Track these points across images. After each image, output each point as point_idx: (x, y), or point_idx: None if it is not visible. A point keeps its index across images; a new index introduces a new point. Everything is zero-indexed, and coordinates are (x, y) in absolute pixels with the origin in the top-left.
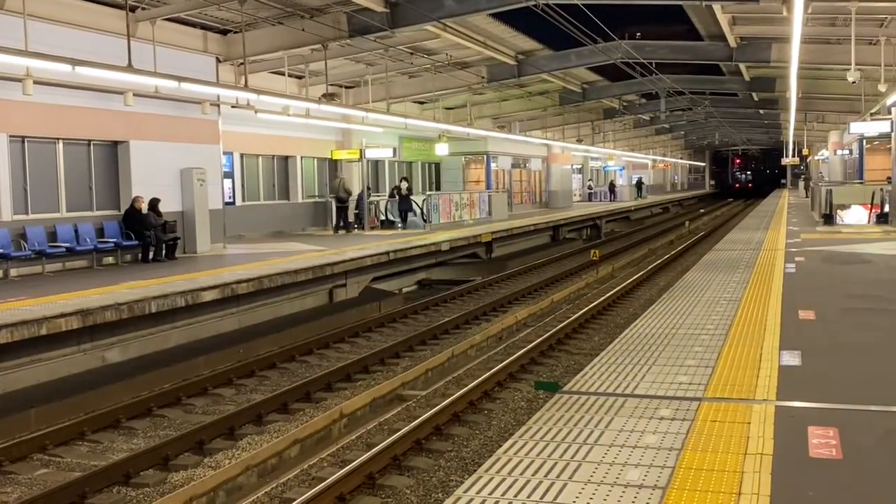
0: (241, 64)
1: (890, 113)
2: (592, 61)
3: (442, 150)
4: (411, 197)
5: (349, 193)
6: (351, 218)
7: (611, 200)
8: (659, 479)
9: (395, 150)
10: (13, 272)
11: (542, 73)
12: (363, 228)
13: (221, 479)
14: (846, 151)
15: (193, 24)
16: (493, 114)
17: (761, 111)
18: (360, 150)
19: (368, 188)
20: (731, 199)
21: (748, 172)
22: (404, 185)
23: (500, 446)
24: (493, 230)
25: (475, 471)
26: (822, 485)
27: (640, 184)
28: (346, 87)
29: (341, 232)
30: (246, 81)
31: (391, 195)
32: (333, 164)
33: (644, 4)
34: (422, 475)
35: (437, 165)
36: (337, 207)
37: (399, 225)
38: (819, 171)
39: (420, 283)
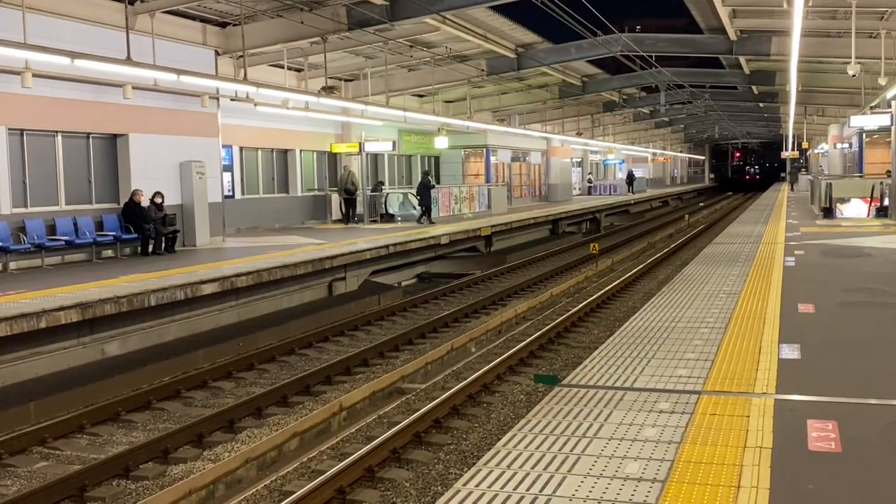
0: (241, 57)
1: (890, 106)
2: (592, 54)
3: (441, 143)
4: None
5: (356, 186)
6: (360, 210)
7: (629, 192)
8: (658, 472)
9: (394, 143)
10: (12, 265)
11: (541, 65)
12: (363, 222)
13: (221, 472)
14: (846, 145)
15: (192, 17)
16: (492, 107)
17: (761, 104)
18: (360, 144)
19: (382, 182)
20: (730, 192)
21: (755, 166)
22: (431, 179)
23: (500, 439)
24: (492, 224)
25: (475, 464)
26: (821, 478)
27: (630, 178)
28: (346, 81)
29: (349, 224)
30: (245, 74)
31: (425, 187)
32: (333, 158)
33: None
34: (421, 468)
35: (437, 159)
36: (344, 199)
37: (398, 219)
38: (819, 165)
39: (419, 276)
